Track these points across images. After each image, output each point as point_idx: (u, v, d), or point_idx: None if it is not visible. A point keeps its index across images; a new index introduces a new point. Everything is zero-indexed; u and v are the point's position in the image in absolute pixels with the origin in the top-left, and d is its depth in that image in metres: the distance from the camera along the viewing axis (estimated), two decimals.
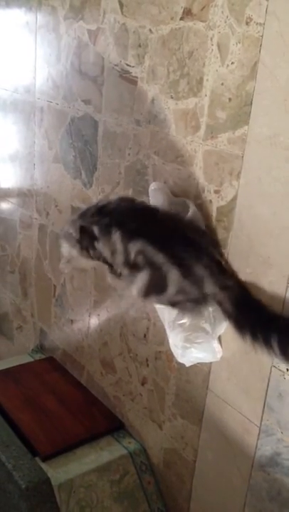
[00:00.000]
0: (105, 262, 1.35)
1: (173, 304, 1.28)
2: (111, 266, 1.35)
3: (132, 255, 1.25)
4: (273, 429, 1.29)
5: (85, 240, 1.35)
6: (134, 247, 1.24)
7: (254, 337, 1.17)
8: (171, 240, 1.24)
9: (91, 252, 1.35)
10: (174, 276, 1.22)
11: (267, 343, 1.14)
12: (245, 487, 1.41)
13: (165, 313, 1.46)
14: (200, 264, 1.23)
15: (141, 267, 1.24)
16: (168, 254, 1.22)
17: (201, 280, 1.23)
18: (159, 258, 1.22)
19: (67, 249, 1.42)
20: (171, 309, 1.44)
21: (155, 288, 1.25)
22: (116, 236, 1.26)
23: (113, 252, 1.28)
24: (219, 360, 1.40)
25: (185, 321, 1.36)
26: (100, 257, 1.35)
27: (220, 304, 1.25)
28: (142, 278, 1.24)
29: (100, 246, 1.31)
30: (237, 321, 1.23)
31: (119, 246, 1.26)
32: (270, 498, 1.33)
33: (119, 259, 1.28)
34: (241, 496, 1.42)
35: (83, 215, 1.38)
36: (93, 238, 1.32)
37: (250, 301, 1.24)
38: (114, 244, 1.27)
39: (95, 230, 1.32)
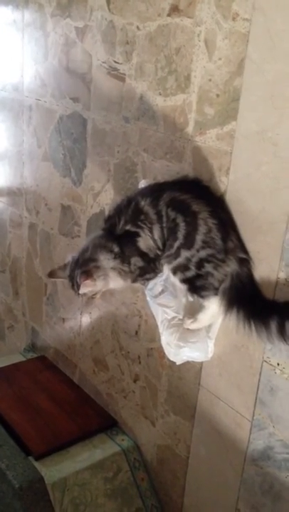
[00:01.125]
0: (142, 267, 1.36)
1: (199, 265, 1.27)
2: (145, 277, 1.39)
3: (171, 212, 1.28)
4: (265, 423, 1.30)
5: (128, 245, 1.34)
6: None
7: (253, 316, 1.20)
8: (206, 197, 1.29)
9: (132, 260, 1.34)
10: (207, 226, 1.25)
11: (266, 323, 1.17)
12: (238, 481, 1.42)
13: (159, 311, 1.46)
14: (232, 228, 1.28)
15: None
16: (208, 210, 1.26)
17: (226, 236, 1.25)
18: (199, 208, 1.26)
19: (107, 263, 1.36)
20: (165, 308, 1.45)
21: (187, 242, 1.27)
22: (162, 204, 1.29)
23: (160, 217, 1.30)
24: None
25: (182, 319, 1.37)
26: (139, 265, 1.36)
27: (231, 276, 1.26)
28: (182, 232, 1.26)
29: (150, 219, 1.30)
30: (238, 299, 1.25)
31: (164, 209, 1.28)
32: (263, 492, 1.34)
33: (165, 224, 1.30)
34: (234, 490, 1.43)
35: (109, 232, 1.36)
36: (135, 236, 1.32)
37: (253, 282, 1.26)
38: (161, 210, 1.29)
39: (129, 227, 1.32)
